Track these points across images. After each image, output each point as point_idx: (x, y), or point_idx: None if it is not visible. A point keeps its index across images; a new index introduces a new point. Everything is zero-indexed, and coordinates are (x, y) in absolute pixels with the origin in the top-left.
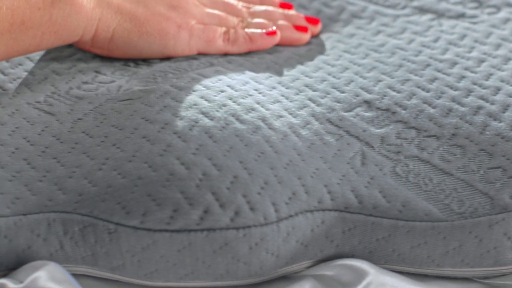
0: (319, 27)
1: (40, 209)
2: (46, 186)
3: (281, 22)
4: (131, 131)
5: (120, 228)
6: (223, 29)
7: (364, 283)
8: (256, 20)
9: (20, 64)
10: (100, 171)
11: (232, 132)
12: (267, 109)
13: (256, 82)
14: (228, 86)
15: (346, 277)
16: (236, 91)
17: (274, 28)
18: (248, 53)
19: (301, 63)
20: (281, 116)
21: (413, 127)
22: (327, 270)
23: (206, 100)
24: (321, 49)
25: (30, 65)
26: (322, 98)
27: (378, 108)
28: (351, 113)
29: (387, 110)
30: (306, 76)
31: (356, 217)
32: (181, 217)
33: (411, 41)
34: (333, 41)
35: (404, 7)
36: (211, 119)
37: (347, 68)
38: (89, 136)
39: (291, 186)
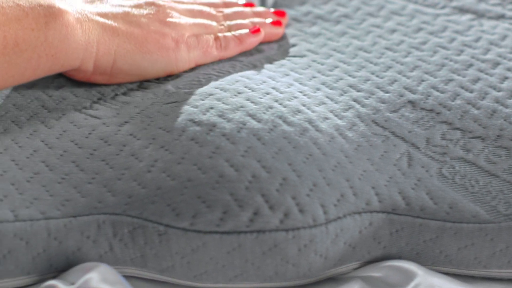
0: (287, 18)
1: (89, 211)
2: (95, 188)
3: (256, 19)
4: (179, 133)
5: (170, 230)
6: (212, 36)
7: (412, 284)
8: (233, 22)
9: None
10: (149, 173)
11: (280, 134)
12: (313, 111)
13: (300, 84)
14: (273, 88)
15: (394, 278)
16: (281, 93)
17: (261, 22)
18: (289, 52)
19: (343, 61)
20: (327, 118)
21: (458, 128)
22: (375, 271)
23: (252, 102)
24: (362, 45)
25: None
26: (366, 98)
27: (422, 109)
28: (396, 114)
29: (431, 110)
30: (350, 75)
31: (403, 218)
32: (231, 219)
33: (452, 40)
34: (374, 36)
35: (443, 7)
36: (259, 121)
37: (390, 67)
38: (136, 139)
39: (339, 188)
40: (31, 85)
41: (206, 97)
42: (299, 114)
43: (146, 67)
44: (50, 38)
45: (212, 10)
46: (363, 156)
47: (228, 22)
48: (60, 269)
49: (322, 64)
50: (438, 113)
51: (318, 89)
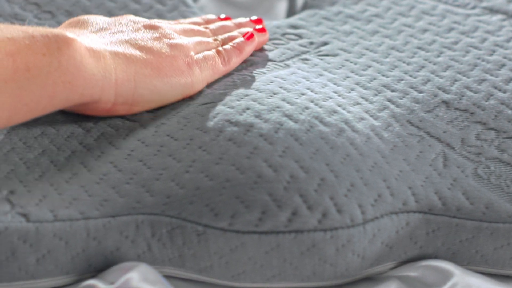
0: (263, 24)
1: (128, 211)
2: (134, 188)
3: (243, 29)
4: (216, 134)
5: (209, 230)
6: (214, 51)
7: (449, 284)
8: (224, 35)
9: None
10: (187, 174)
11: (317, 134)
12: (349, 112)
13: (335, 84)
14: (308, 88)
15: (431, 278)
16: (316, 93)
17: (250, 30)
18: (322, 51)
19: (376, 61)
20: (362, 119)
21: (492, 128)
22: (411, 271)
23: (288, 103)
24: (394, 45)
25: None
26: (400, 98)
27: (456, 109)
28: (430, 114)
29: (465, 110)
30: (383, 75)
31: (440, 219)
32: (270, 219)
33: (484, 40)
34: (406, 36)
35: (474, 7)
36: (295, 122)
37: (423, 67)
38: (174, 139)
39: (377, 188)
40: None
41: (242, 98)
42: (335, 114)
43: (166, 92)
44: (65, 63)
45: (200, 28)
46: (399, 157)
47: (220, 37)
48: (98, 269)
49: (355, 64)
50: (472, 113)
51: (352, 89)
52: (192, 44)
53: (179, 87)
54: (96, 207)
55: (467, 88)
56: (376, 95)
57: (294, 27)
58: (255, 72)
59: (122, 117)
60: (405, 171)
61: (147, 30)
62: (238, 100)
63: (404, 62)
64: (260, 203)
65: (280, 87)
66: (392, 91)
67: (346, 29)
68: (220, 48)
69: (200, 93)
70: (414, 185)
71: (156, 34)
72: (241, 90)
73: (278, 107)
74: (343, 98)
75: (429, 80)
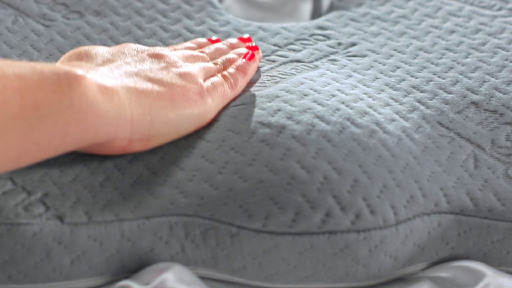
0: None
1: (162, 213)
2: (167, 190)
3: (240, 50)
4: (248, 135)
5: (242, 231)
6: (220, 76)
7: (481, 284)
8: (222, 58)
9: None
10: (220, 175)
11: (349, 136)
12: (379, 113)
13: (364, 85)
14: (338, 90)
15: (462, 278)
16: (346, 95)
17: (248, 51)
18: (350, 52)
19: (404, 62)
20: (393, 120)
21: None
22: (443, 272)
23: (319, 104)
24: (422, 46)
25: None
26: (430, 100)
27: (486, 110)
28: (460, 115)
29: (495, 111)
30: (412, 76)
31: (471, 220)
32: (303, 220)
33: (511, 41)
34: (434, 37)
35: (499, 9)
36: (327, 123)
37: (451, 68)
38: (206, 141)
39: (409, 190)
40: None
41: (273, 99)
42: (366, 116)
43: (181, 124)
44: (77, 101)
45: (198, 53)
46: (430, 158)
47: (219, 60)
48: (132, 270)
49: (384, 65)
50: (501, 114)
51: (382, 90)
52: (198, 71)
53: (193, 118)
54: (130, 209)
55: (496, 89)
56: (406, 96)
57: (321, 28)
58: (285, 74)
59: None
60: (437, 172)
61: (153, 60)
62: (269, 102)
63: (432, 63)
64: (293, 204)
65: (310, 89)
66: (422, 92)
67: (373, 30)
68: (225, 73)
69: None
70: (445, 186)
71: (163, 64)
72: (272, 92)
73: (309, 108)
74: (373, 99)
75: (458, 81)
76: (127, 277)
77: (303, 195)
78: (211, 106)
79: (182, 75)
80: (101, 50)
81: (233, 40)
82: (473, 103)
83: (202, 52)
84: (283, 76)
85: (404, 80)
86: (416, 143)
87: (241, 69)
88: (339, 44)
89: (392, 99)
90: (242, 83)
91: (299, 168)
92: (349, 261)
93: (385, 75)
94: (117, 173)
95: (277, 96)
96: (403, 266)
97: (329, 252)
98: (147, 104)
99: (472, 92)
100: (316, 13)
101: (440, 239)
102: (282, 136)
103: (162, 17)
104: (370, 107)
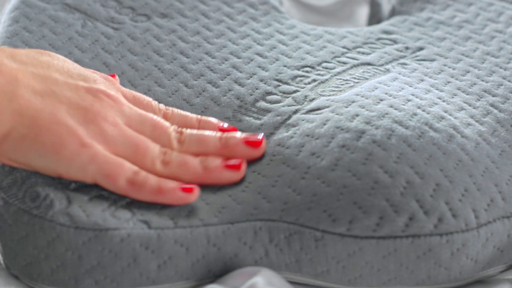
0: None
1: (246, 218)
2: (250, 195)
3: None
4: (328, 140)
5: (327, 235)
6: (133, 168)
7: None
8: (182, 155)
9: (202, 75)
10: (303, 180)
11: (429, 140)
12: (455, 118)
13: (437, 89)
14: (412, 95)
15: None
16: (421, 99)
17: (233, 162)
18: (418, 56)
19: (473, 66)
20: (469, 124)
21: None
22: None
23: (396, 109)
24: (488, 50)
25: (210, 75)
26: (502, 103)
27: None
28: None
29: None
30: (482, 80)
31: None
32: (387, 224)
33: None
34: (499, 42)
35: None
36: (406, 128)
37: None
38: (285, 148)
39: (489, 193)
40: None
41: (349, 104)
42: (443, 120)
43: (32, 158)
44: None
45: (170, 129)
46: (507, 161)
47: (178, 148)
48: (217, 274)
49: (454, 69)
50: None
51: (455, 94)
52: (115, 138)
53: (49, 163)
54: (214, 214)
55: None
56: (479, 100)
57: (386, 32)
58: (358, 78)
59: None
60: None
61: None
62: (346, 107)
63: (501, 68)
64: (377, 208)
65: (385, 93)
66: (493, 96)
67: (438, 34)
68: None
69: (305, 97)
70: None
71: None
72: (347, 97)
73: (387, 113)
74: (448, 103)
75: None
76: (211, 281)
77: (387, 199)
78: (79, 165)
79: (90, 124)
80: (67, 65)
81: (235, 134)
82: None
83: (180, 132)
84: (356, 80)
85: (475, 84)
86: (493, 147)
87: (162, 187)
88: (407, 48)
89: (466, 103)
90: (152, 194)
91: (382, 172)
92: (432, 264)
93: (456, 79)
94: None
95: (353, 101)
96: (483, 269)
97: (412, 256)
98: (12, 122)
99: None
100: (374, 18)
101: None
102: (363, 141)
103: (229, 20)
104: (445, 111)
